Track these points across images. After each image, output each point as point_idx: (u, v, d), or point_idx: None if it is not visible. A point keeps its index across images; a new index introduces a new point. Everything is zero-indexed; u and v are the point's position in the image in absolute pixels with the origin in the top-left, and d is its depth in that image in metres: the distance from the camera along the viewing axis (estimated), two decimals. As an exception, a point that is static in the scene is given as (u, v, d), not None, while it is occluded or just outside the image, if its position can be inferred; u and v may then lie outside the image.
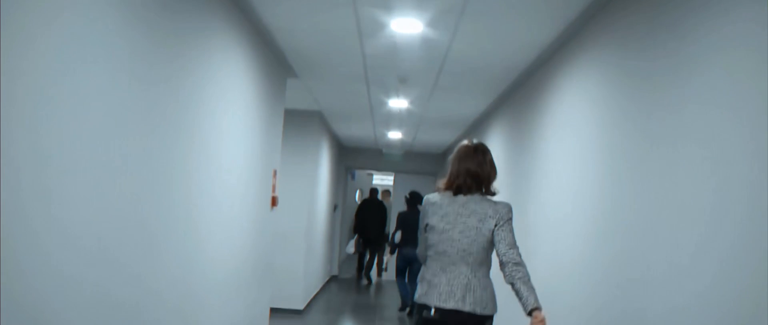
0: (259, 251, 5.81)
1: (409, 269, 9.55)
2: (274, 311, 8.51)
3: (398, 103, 7.89)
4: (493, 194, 3.48)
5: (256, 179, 5.46)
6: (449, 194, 3.45)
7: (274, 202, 6.27)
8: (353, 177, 15.01)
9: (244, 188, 5.06)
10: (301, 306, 9.14)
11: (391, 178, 15.30)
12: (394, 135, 11.10)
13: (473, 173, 3.42)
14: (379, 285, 13.30)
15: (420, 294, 3.42)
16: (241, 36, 4.61)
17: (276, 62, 5.95)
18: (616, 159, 3.45)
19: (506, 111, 6.91)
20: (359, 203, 12.60)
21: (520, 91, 6.14)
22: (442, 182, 3.52)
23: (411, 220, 9.16)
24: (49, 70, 2.16)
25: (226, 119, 4.45)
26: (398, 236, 9.46)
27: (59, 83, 2.21)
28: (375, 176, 16.13)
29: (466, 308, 3.28)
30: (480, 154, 3.48)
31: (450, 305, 3.30)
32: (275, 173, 6.32)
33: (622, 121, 3.40)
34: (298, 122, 9.12)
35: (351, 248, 13.06)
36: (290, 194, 8.98)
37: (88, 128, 2.46)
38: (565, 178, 4.43)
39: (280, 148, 6.58)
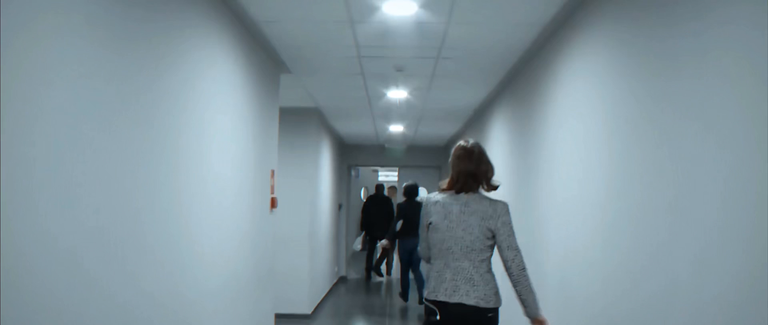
0: (260, 255, 5.56)
1: (410, 259, 9.85)
2: (281, 317, 8.26)
3: (397, 95, 7.64)
4: (495, 187, 3.71)
5: (252, 180, 5.22)
6: (451, 193, 3.68)
7: (273, 203, 6.02)
8: (357, 175, 14.76)
9: (239, 189, 4.81)
10: (308, 311, 8.90)
11: (396, 173, 15.09)
12: (396, 129, 10.85)
13: (471, 173, 3.65)
14: (389, 284, 13.04)
15: (429, 291, 3.64)
16: (227, 31, 4.36)
17: (267, 58, 5.70)
18: (626, 145, 3.19)
19: (508, 98, 6.65)
20: (365, 199, 12.36)
21: (522, 76, 5.88)
22: (444, 183, 3.75)
23: (409, 212, 9.47)
24: (21, 75, 1.92)
25: (216, 119, 4.22)
26: (399, 226, 9.70)
27: (29, 88, 1.97)
28: (381, 172, 15.88)
29: (470, 301, 3.52)
30: (475, 153, 3.68)
31: (455, 299, 3.53)
32: (273, 173, 6.07)
33: (633, 104, 3.14)
34: (296, 121, 8.88)
35: (358, 245, 12.88)
36: (291, 196, 8.74)
37: (63, 133, 2.26)
38: (572, 165, 4.16)
39: (277, 148, 6.33)
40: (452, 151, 3.76)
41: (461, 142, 3.78)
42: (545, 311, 4.72)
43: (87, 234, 2.48)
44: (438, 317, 3.56)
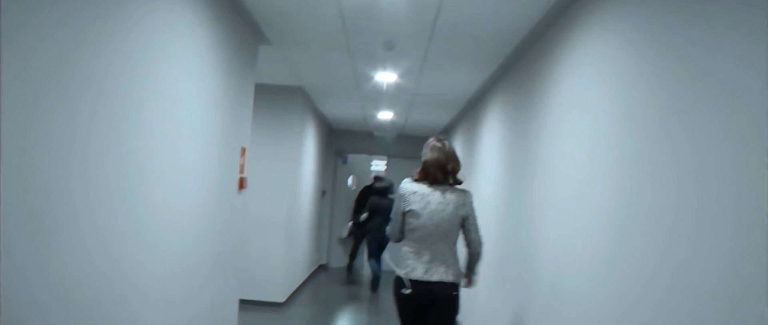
0: (224, 238, 5.07)
1: (378, 248, 10.65)
2: (250, 304, 7.79)
3: (386, 77, 7.13)
4: (460, 182, 4.18)
5: (218, 157, 4.72)
6: (426, 184, 4.12)
7: (241, 184, 5.52)
8: (345, 161, 14.22)
9: (201, 166, 4.32)
10: (281, 299, 8.41)
11: (385, 162, 14.57)
12: (385, 116, 10.35)
13: (442, 167, 4.11)
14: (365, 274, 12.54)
15: (405, 270, 4.07)
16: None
17: (243, 25, 5.20)
18: (638, 141, 2.70)
19: (506, 87, 6.15)
20: (361, 188, 11.92)
21: (522, 61, 5.39)
22: (416, 172, 4.18)
23: (379, 204, 10.55)
24: None
25: (178, 90, 3.75)
26: (363, 217, 10.88)
27: None
28: (373, 161, 15.25)
29: (449, 278, 4.05)
30: (446, 149, 4.16)
31: (435, 277, 4.02)
32: (244, 151, 5.57)
33: (648, 95, 2.65)
34: (279, 99, 8.38)
35: (344, 232, 12.46)
36: (269, 177, 8.26)
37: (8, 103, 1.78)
38: (574, 160, 3.68)
39: (256, 127, 5.82)
40: (427, 143, 4.21)
41: (433, 139, 4.23)
42: (534, 312, 4.27)
43: (26, 210, 1.99)
44: (409, 291, 4.02)
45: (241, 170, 5.52)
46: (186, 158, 4.00)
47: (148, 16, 3.28)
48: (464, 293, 4.57)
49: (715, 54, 2.16)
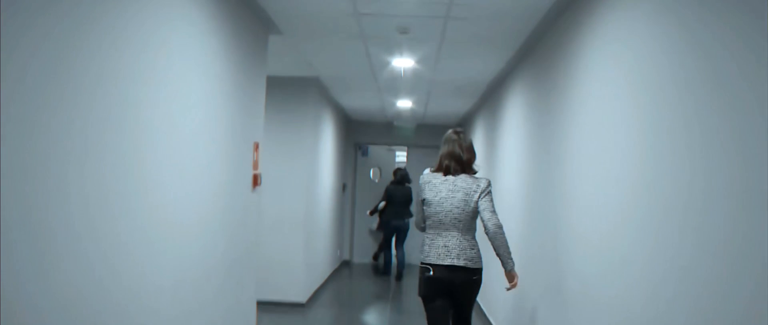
0: (239, 238, 4.84)
1: (396, 237, 11.22)
2: (270, 306, 7.58)
3: (403, 63, 6.85)
4: (475, 172, 4.40)
5: (229, 154, 4.49)
6: (440, 174, 4.34)
7: (256, 181, 5.28)
8: (365, 153, 13.95)
9: (211, 163, 4.09)
10: (303, 299, 8.17)
11: (405, 153, 14.28)
12: (404, 104, 10.07)
13: (456, 157, 4.33)
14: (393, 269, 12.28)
15: (423, 256, 4.31)
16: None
17: (251, 15, 4.94)
18: (672, 126, 2.41)
19: (527, 69, 5.84)
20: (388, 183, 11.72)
21: (545, 41, 5.09)
22: (435, 164, 4.42)
23: (397, 195, 11.07)
24: None
25: (179, 85, 3.52)
26: (381, 206, 11.36)
27: None
28: (397, 153, 14.83)
29: (460, 262, 4.20)
30: (462, 141, 4.38)
31: (447, 262, 4.20)
32: (257, 146, 5.33)
33: (683, 74, 2.36)
34: (293, 91, 8.12)
35: (374, 224, 12.32)
36: (285, 173, 8.02)
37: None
38: (603, 151, 3.38)
39: (269, 121, 5.58)
40: (445, 135, 4.43)
41: (452, 131, 4.45)
42: (566, 313, 4.02)
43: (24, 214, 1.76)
44: (431, 273, 4.23)
45: (255, 166, 5.28)
46: (191, 158, 3.75)
47: (146, 8, 3.04)
48: (490, 281, 4.73)
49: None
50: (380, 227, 11.68)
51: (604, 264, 3.35)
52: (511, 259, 4.28)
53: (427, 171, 4.43)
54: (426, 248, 4.30)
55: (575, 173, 4.04)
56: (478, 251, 4.28)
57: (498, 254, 4.25)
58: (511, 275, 4.32)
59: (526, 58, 5.86)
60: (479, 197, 4.22)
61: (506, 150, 7.02)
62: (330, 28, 5.57)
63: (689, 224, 2.34)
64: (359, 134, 13.01)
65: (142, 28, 3.01)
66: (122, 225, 2.85)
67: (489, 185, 4.29)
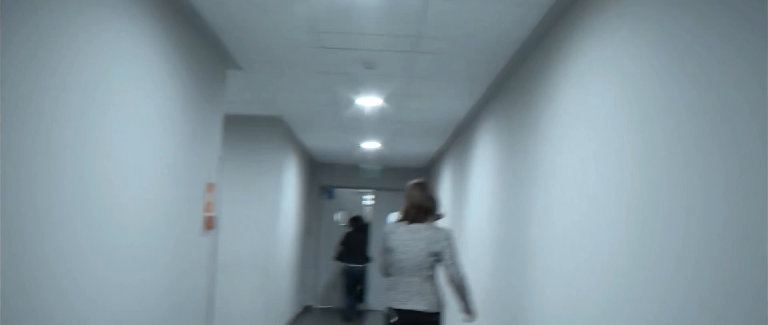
0: (185, 284, 4.46)
1: (354, 283, 11.35)
2: (225, 355, 7.13)
3: (369, 102, 6.57)
4: (440, 217, 4.63)
5: (175, 194, 4.13)
6: (405, 223, 4.53)
7: (209, 223, 4.92)
8: (331, 196, 13.60)
9: (150, 205, 3.72)
10: (260, 346, 7.74)
11: (372, 197, 13.94)
12: (370, 146, 9.78)
13: (420, 207, 4.53)
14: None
15: (388, 301, 4.50)
16: (149, 10, 3.32)
17: (207, 48, 4.64)
18: (657, 156, 2.14)
19: (498, 108, 5.58)
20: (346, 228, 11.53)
21: (517, 77, 4.84)
22: (400, 213, 4.61)
23: (352, 239, 11.28)
24: None
25: (126, 119, 3.23)
26: (339, 251, 11.39)
27: None
28: (365, 196, 14.44)
29: (421, 307, 4.38)
30: (424, 191, 4.61)
31: (409, 306, 4.39)
32: (212, 187, 4.98)
33: (668, 104, 2.09)
34: (256, 131, 7.81)
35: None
36: (246, 216, 7.69)
37: None
38: (580, 186, 3.10)
39: (219, 158, 5.23)
40: (406, 187, 4.64)
41: (413, 181, 4.70)
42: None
43: None
44: (396, 319, 4.41)
45: (208, 208, 4.93)
46: (128, 195, 3.40)
47: (88, 38, 2.72)
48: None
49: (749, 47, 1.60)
50: (339, 273, 11.56)
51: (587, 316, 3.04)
52: (473, 301, 4.57)
53: (391, 220, 4.70)
54: (391, 293, 4.49)
55: (547, 215, 3.75)
56: (439, 295, 4.45)
57: (461, 300, 4.50)
58: (471, 314, 4.58)
59: (498, 96, 5.61)
60: (442, 247, 4.39)
61: (475, 191, 6.73)
62: (292, 63, 5.28)
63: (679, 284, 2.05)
64: (324, 177, 12.68)
65: (80, 54, 2.69)
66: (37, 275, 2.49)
67: (449, 235, 4.46)
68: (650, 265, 2.33)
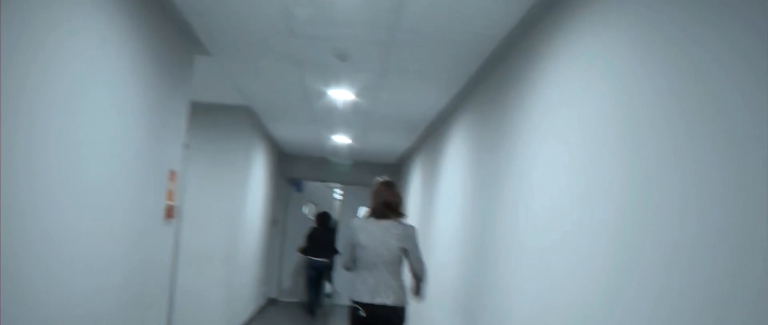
0: (146, 274, 4.30)
1: (318, 277, 11.18)
2: (185, 348, 6.95)
3: (341, 95, 6.43)
4: (403, 216, 4.77)
5: (135, 181, 3.96)
6: (373, 219, 4.71)
7: (170, 212, 4.75)
8: (300, 189, 13.42)
9: (108, 191, 3.55)
10: (220, 339, 7.57)
11: (340, 191, 13.79)
12: (341, 140, 9.63)
13: (387, 203, 4.71)
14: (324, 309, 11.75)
15: (354, 295, 4.61)
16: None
17: (174, 32, 4.46)
18: (644, 165, 2.04)
19: (475, 102, 5.47)
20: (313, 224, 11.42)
21: (493, 77, 4.73)
22: (368, 210, 4.77)
23: (318, 235, 11.18)
24: None
25: (84, 101, 3.07)
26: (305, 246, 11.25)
27: None
28: (336, 190, 14.27)
29: (389, 302, 4.53)
30: (390, 188, 4.80)
31: (377, 300, 4.53)
32: (174, 175, 4.81)
33: (653, 98, 1.99)
34: (224, 120, 7.63)
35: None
36: (210, 205, 7.50)
37: None
38: (557, 193, 3.00)
39: (182, 146, 5.06)
40: (373, 184, 4.84)
41: (379, 179, 4.89)
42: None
43: None
44: (363, 314, 4.53)
45: (170, 197, 4.75)
46: (84, 181, 3.23)
47: (41, 13, 2.55)
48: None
49: (738, 45, 1.49)
50: (304, 267, 11.44)
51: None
52: (425, 290, 5.05)
53: (360, 216, 4.84)
54: (358, 287, 4.61)
55: (520, 223, 3.64)
56: (404, 290, 4.64)
57: (417, 289, 4.79)
58: (421, 298, 4.91)
59: (473, 95, 5.49)
60: (409, 244, 4.62)
61: (445, 190, 6.62)
62: (263, 51, 5.12)
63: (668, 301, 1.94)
64: (293, 169, 12.50)
65: (40, 44, 2.52)
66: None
67: (415, 232, 4.70)
68: (633, 268, 2.22)
